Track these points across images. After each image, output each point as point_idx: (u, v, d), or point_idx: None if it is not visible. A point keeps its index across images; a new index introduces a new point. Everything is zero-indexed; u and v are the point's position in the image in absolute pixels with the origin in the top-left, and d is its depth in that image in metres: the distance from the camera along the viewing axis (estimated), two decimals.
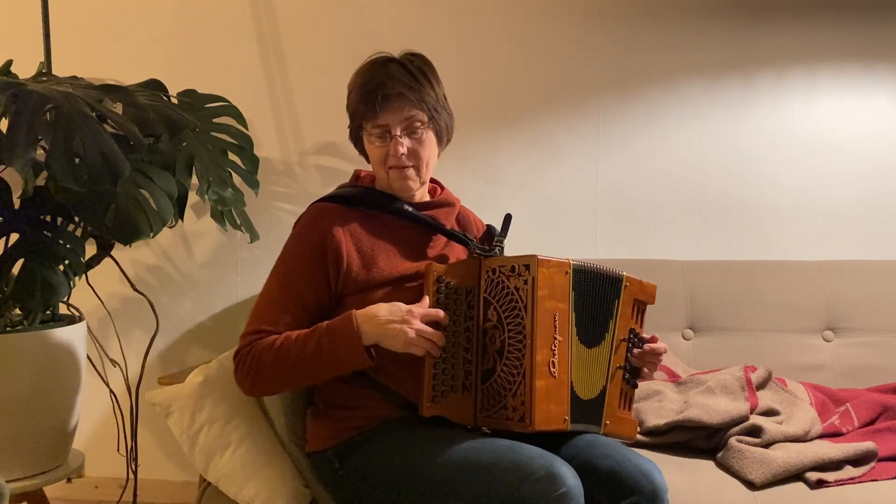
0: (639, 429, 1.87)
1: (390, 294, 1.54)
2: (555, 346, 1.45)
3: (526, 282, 1.45)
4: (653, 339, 1.61)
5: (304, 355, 1.46)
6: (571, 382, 1.48)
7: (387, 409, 1.54)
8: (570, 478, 1.33)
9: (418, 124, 1.55)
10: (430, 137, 1.58)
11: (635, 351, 1.59)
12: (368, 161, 1.64)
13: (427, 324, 1.46)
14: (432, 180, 1.71)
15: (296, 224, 1.61)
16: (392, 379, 1.52)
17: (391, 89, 1.52)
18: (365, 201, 1.62)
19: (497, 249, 1.62)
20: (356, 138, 1.64)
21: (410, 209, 1.61)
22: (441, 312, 1.47)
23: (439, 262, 1.61)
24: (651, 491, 1.42)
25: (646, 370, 1.61)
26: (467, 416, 1.50)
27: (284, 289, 1.54)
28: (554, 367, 1.45)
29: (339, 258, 1.53)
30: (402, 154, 1.55)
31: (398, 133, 1.54)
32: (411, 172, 1.58)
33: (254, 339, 1.51)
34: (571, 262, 1.50)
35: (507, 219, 1.72)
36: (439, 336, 1.46)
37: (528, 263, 1.46)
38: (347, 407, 1.56)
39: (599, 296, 1.55)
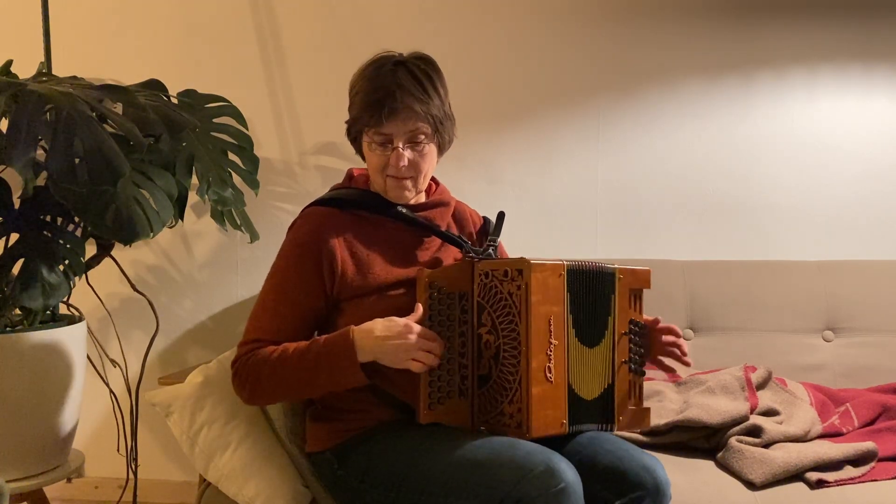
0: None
1: (386, 299, 1.53)
2: (550, 351, 1.44)
3: (519, 287, 1.44)
4: (655, 322, 1.59)
5: (299, 370, 1.45)
6: (570, 385, 1.47)
7: (385, 413, 1.54)
8: (569, 473, 1.33)
9: (422, 137, 1.52)
10: (431, 150, 1.56)
11: (664, 338, 1.58)
12: (364, 160, 1.62)
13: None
14: None
15: (289, 229, 1.60)
16: (390, 383, 1.51)
17: (399, 102, 1.48)
18: (359, 204, 1.60)
19: (491, 249, 1.62)
20: (354, 139, 1.61)
21: (405, 211, 1.60)
22: (436, 337, 1.45)
23: (435, 264, 1.60)
24: (654, 486, 1.42)
25: (666, 361, 1.59)
26: (464, 421, 1.49)
27: (280, 296, 1.53)
28: (550, 373, 1.44)
29: (334, 264, 1.52)
30: (403, 166, 1.52)
31: (401, 145, 1.52)
32: (408, 183, 1.56)
33: (251, 348, 1.50)
34: (566, 264, 1.49)
35: (501, 217, 1.71)
36: (438, 347, 1.44)
37: (520, 268, 1.44)
38: (345, 409, 1.56)
39: (596, 294, 1.54)
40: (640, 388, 1.58)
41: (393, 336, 1.42)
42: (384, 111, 1.48)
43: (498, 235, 1.68)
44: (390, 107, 1.48)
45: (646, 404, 1.97)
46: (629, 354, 1.56)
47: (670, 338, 1.59)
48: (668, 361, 1.61)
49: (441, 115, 1.54)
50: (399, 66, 1.53)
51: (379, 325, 1.44)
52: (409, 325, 1.43)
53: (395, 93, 1.49)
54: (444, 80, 1.58)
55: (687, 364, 1.60)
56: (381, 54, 1.57)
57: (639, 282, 1.59)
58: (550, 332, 1.45)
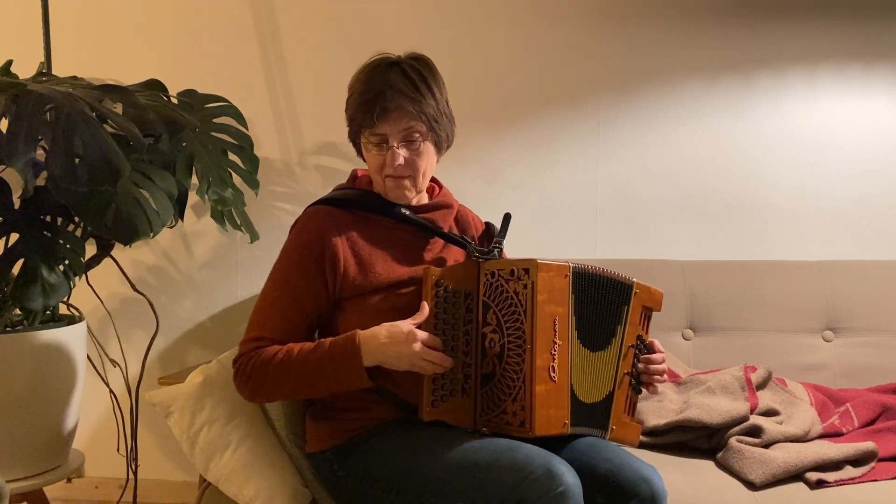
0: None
1: (387, 299, 1.53)
2: (554, 351, 1.45)
3: (525, 286, 1.44)
4: (651, 344, 1.60)
5: (304, 372, 1.46)
6: (572, 386, 1.48)
7: (385, 411, 1.54)
8: (569, 476, 1.33)
9: (417, 135, 1.53)
10: (428, 148, 1.56)
11: (641, 358, 1.58)
12: (366, 161, 1.63)
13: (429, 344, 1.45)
14: (430, 179, 1.70)
15: (292, 228, 1.61)
16: (391, 381, 1.51)
17: (390, 101, 1.50)
18: (362, 204, 1.61)
19: (496, 251, 1.62)
20: (354, 141, 1.62)
21: (408, 212, 1.60)
22: (438, 340, 1.46)
23: (439, 265, 1.60)
24: (650, 496, 1.42)
25: (652, 386, 1.60)
26: (467, 420, 1.50)
27: (282, 295, 1.53)
28: (554, 372, 1.44)
29: (336, 263, 1.53)
30: (399, 165, 1.53)
31: (395, 144, 1.52)
32: (407, 183, 1.57)
33: (254, 346, 1.51)
34: (571, 266, 1.49)
35: (507, 218, 1.71)
36: (443, 358, 1.44)
37: (527, 267, 1.45)
38: (346, 409, 1.56)
39: (605, 299, 1.54)
40: (635, 405, 1.59)
41: (397, 342, 1.43)
42: (376, 111, 1.50)
43: (504, 237, 1.68)
44: (381, 106, 1.50)
45: (646, 404, 1.96)
46: (632, 368, 1.57)
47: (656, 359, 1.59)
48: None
49: (435, 114, 1.54)
50: (392, 67, 1.54)
51: (384, 331, 1.44)
52: (413, 333, 1.43)
53: (386, 93, 1.50)
54: (440, 80, 1.58)
55: (654, 392, 1.61)
56: (377, 56, 1.58)
57: (652, 301, 1.61)
58: (555, 331, 1.45)
